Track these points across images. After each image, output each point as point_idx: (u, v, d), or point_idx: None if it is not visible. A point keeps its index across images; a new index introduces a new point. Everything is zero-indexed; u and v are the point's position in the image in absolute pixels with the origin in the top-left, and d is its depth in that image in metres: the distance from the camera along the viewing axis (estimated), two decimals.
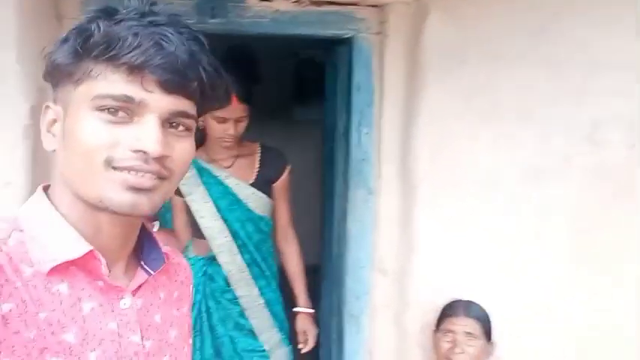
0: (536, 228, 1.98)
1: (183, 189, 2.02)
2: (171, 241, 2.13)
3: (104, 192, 0.65)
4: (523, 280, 1.95)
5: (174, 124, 0.68)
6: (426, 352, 1.92)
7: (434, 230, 1.95)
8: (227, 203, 2.05)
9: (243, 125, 2.00)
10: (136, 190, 0.66)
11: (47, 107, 0.72)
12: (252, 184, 2.08)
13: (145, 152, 0.64)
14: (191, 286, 0.93)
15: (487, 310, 1.78)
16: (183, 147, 0.70)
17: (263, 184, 2.10)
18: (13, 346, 0.61)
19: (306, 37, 2.03)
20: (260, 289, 2.12)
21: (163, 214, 2.19)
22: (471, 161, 1.93)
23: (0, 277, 0.62)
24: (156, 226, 2.11)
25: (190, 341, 0.93)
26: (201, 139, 2.09)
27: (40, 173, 1.70)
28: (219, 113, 1.90)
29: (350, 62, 2.04)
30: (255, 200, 2.08)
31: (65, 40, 0.68)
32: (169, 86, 0.66)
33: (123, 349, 0.71)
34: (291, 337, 2.23)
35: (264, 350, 2.12)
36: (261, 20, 1.95)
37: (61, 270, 0.67)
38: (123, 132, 0.65)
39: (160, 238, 2.06)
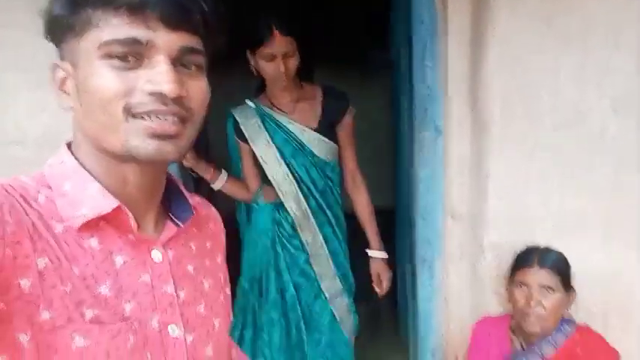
0: (627, 170, 1.75)
1: (247, 135, 2.01)
2: (239, 188, 2.14)
3: (128, 142, 0.65)
4: (602, 228, 1.76)
5: (184, 63, 0.67)
6: (501, 298, 1.81)
7: (510, 173, 1.79)
8: (291, 149, 2.01)
9: (293, 62, 1.90)
10: (161, 137, 0.65)
11: (55, 66, 0.70)
12: (316, 130, 2.01)
13: (161, 94, 0.63)
14: (223, 235, 0.93)
15: (565, 257, 1.63)
16: (198, 85, 0.69)
17: (327, 128, 2.04)
18: (51, 300, 0.62)
19: None
20: (325, 236, 2.09)
21: (237, 162, 2.19)
22: (551, 95, 1.72)
23: (33, 233, 0.63)
24: (223, 175, 2.10)
25: (228, 291, 0.93)
26: (260, 85, 2.06)
27: None
28: (266, 50, 1.83)
29: None
30: (319, 145, 2.03)
31: None
32: (173, 22, 0.64)
33: (157, 300, 0.72)
34: (358, 290, 2.21)
35: (326, 299, 2.11)
36: None
37: (90, 225, 0.68)
38: (136, 77, 0.64)
39: (228, 187, 2.06)
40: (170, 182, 0.81)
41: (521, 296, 1.57)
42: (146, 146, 0.65)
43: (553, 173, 1.77)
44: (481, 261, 1.88)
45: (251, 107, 2.03)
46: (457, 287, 2.00)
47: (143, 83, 0.64)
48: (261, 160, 2.03)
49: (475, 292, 1.93)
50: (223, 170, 2.12)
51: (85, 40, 0.65)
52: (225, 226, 0.94)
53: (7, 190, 0.65)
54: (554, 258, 1.60)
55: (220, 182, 2.08)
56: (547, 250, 1.64)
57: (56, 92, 0.71)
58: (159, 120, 0.64)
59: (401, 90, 2.15)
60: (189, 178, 2.14)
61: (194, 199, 0.85)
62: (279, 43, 1.83)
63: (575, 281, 1.64)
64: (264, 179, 2.11)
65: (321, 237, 2.08)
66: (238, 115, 2.04)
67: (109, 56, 0.63)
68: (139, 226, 0.72)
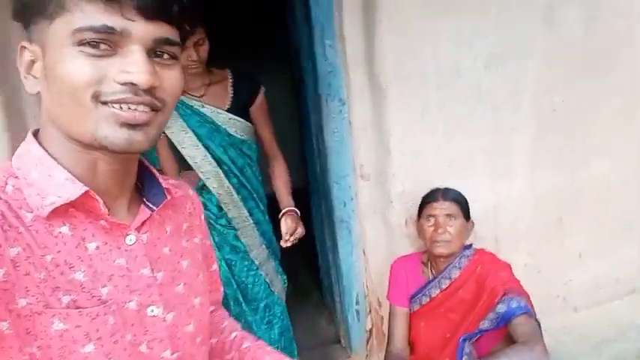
0: (502, 115, 2.08)
1: None
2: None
3: (98, 130, 0.64)
4: (487, 166, 2.07)
5: (158, 53, 0.66)
6: (411, 240, 2.08)
7: (406, 130, 2.05)
8: (206, 131, 2.09)
9: (204, 49, 1.99)
10: (131, 125, 0.64)
11: (23, 48, 0.69)
12: (228, 110, 2.10)
13: (133, 84, 0.63)
14: (202, 215, 0.94)
15: (462, 193, 1.91)
16: (172, 75, 0.68)
17: (239, 108, 2.13)
18: (26, 287, 0.63)
19: None
20: (249, 210, 2.19)
21: (150, 153, 2.26)
22: (434, 57, 2.00)
23: (3, 223, 0.63)
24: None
25: (215, 267, 0.98)
26: None
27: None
28: None
29: None
30: (233, 125, 2.12)
31: None
32: (150, 12, 0.63)
33: (134, 282, 0.72)
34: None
35: (257, 268, 2.24)
36: None
37: (60, 213, 0.67)
38: (108, 65, 0.63)
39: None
40: (143, 167, 0.81)
41: (430, 226, 1.83)
42: (117, 135, 0.64)
43: (441, 125, 2.06)
44: (390, 211, 2.13)
45: None
46: (373, 239, 2.24)
47: (116, 72, 0.63)
48: (178, 146, 2.09)
49: (389, 241, 2.19)
50: None
51: (57, 25, 0.63)
52: None
53: None
54: (454, 192, 1.87)
55: None
56: (447, 188, 1.91)
57: (23, 76, 0.69)
58: (129, 109, 0.64)
59: (304, 68, 2.34)
60: None
61: (169, 182, 0.85)
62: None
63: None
64: (183, 165, 2.19)
65: (245, 211, 2.18)
66: None
67: (81, 43, 0.62)
68: (109, 211, 0.71)
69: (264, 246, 2.26)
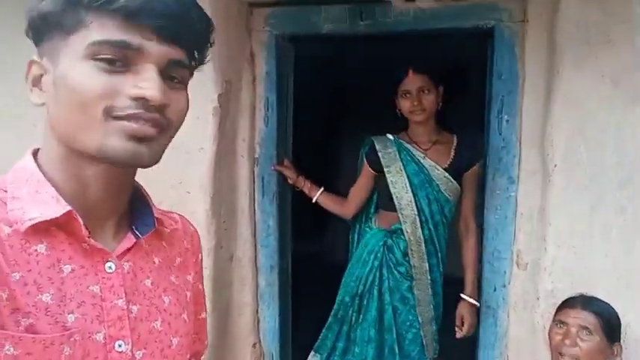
0: None
1: (383, 162, 2.26)
2: (334, 202, 2.41)
3: (105, 141, 0.64)
4: None
5: (170, 75, 0.68)
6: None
7: (570, 223, 1.82)
8: (420, 181, 2.23)
9: (429, 98, 2.16)
10: (138, 139, 0.65)
11: (32, 62, 0.70)
12: (445, 169, 2.22)
13: (146, 99, 0.64)
14: (200, 254, 0.91)
15: (616, 311, 1.60)
16: (179, 99, 0.70)
17: (455, 171, 2.24)
18: None
19: (447, 30, 2.10)
20: (430, 266, 2.25)
21: None
22: (614, 149, 1.76)
23: None
24: (319, 190, 2.38)
25: (203, 315, 0.94)
26: (404, 124, 2.33)
27: (225, 142, 2.11)
28: (403, 87, 2.16)
29: (492, 51, 2.05)
30: (445, 184, 2.23)
31: None
32: (167, 34, 0.65)
33: (106, 312, 0.68)
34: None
35: (419, 328, 2.26)
36: (405, 18, 2.11)
37: (40, 231, 0.66)
38: (121, 80, 0.64)
39: (323, 199, 2.32)
40: (138, 195, 0.80)
41: (559, 334, 1.58)
42: (124, 147, 0.64)
43: (615, 228, 1.76)
44: (536, 309, 1.89)
45: (390, 139, 2.30)
46: (516, 337, 2.02)
47: (129, 88, 0.64)
48: (390, 185, 2.25)
49: (533, 342, 1.93)
50: (322, 187, 2.40)
51: (72, 39, 0.64)
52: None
53: None
54: (601, 305, 1.59)
55: (316, 195, 2.37)
56: (595, 298, 1.63)
57: (30, 88, 0.70)
58: (139, 123, 0.64)
59: None
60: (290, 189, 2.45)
61: (165, 214, 0.84)
62: (413, 80, 2.15)
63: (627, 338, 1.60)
64: (383, 205, 2.35)
65: (427, 265, 2.25)
66: (378, 142, 2.31)
67: (97, 57, 0.63)
68: (90, 234, 0.69)
69: (432, 306, 2.29)
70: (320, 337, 2.42)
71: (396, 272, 2.28)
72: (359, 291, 2.32)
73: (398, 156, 2.24)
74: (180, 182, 2.04)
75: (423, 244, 2.23)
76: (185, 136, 1.95)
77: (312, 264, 4.15)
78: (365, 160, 2.35)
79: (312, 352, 2.43)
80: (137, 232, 0.76)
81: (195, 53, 0.72)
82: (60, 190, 0.68)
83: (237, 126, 2.22)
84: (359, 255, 2.37)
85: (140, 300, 0.73)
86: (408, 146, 2.26)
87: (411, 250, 2.23)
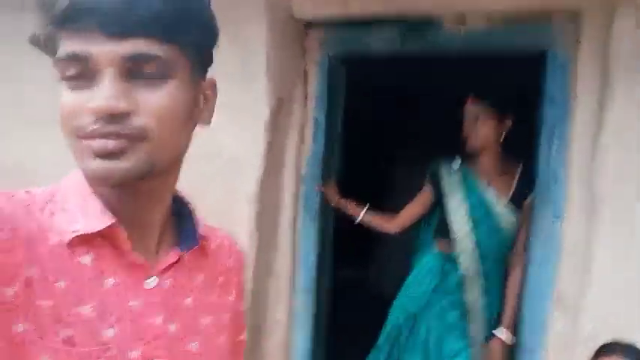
0: None
1: (446, 188, 2.23)
2: (379, 220, 2.37)
3: (81, 162, 0.62)
4: None
5: (139, 73, 0.60)
6: None
7: (616, 261, 1.66)
8: (480, 213, 2.16)
9: (484, 128, 2.10)
10: (102, 156, 0.59)
11: None
12: (507, 202, 2.15)
13: (100, 111, 0.58)
14: (242, 274, 0.87)
15: None
16: (155, 97, 0.61)
17: (516, 202, 2.16)
18: (29, 313, 0.60)
19: (498, 52, 2.03)
20: (486, 303, 2.17)
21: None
22: None
23: (28, 243, 0.61)
24: (362, 210, 2.36)
25: (242, 337, 0.88)
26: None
27: (273, 158, 2.15)
28: (463, 114, 2.12)
29: (544, 75, 1.94)
30: (506, 220, 2.15)
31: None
32: (114, 29, 0.57)
33: (143, 329, 0.67)
34: None
35: (465, 356, 2.16)
36: (455, 40, 2.06)
37: (87, 241, 0.65)
38: (85, 96, 0.59)
39: (367, 219, 2.30)
40: (183, 209, 0.77)
41: None
42: (94, 167, 0.60)
43: None
44: (575, 353, 1.73)
45: (456, 165, 2.26)
46: None
47: (87, 102, 0.59)
48: (450, 213, 2.21)
49: None
50: (364, 207, 2.38)
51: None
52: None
53: (11, 198, 0.64)
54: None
55: (360, 216, 2.35)
56: (633, 347, 1.47)
57: None
58: (100, 140, 0.59)
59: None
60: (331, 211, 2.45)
61: (215, 231, 0.81)
62: (469, 107, 2.11)
63: None
64: (441, 233, 2.29)
65: (481, 301, 2.16)
66: (444, 167, 2.28)
67: (64, 77, 0.60)
68: (137, 248, 0.68)
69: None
70: (368, 357, 2.38)
71: (446, 300, 2.21)
72: (411, 312, 2.27)
73: (462, 185, 2.18)
74: (227, 194, 2.11)
75: (479, 280, 2.15)
76: (235, 150, 2.14)
77: (357, 292, 4.07)
78: (428, 182, 2.31)
79: None
80: (180, 248, 0.73)
81: (177, 36, 0.61)
82: (105, 202, 0.66)
83: (286, 143, 2.28)
84: (416, 275, 2.32)
85: (179, 319, 0.71)
86: (473, 176, 2.19)
87: (466, 283, 2.15)
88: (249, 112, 2.10)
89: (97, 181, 0.63)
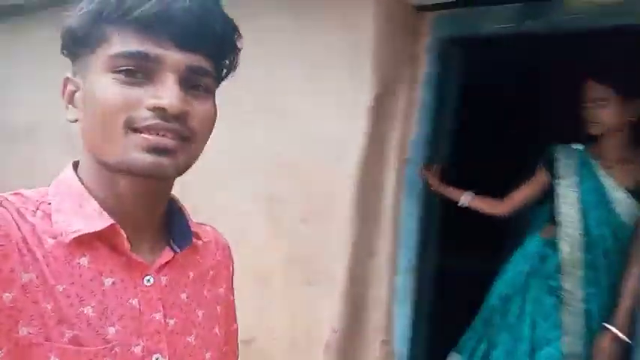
0: None
1: (560, 171, 2.14)
2: (486, 204, 2.31)
3: (126, 154, 0.64)
4: None
5: (192, 84, 0.67)
6: None
7: None
8: (594, 201, 2.05)
9: (606, 113, 1.96)
10: (158, 151, 0.64)
11: (66, 80, 0.72)
12: (630, 192, 2.01)
13: (163, 109, 0.63)
14: (231, 266, 0.90)
15: None
16: (204, 108, 0.69)
17: (635, 192, 2.02)
18: (31, 316, 0.61)
19: (628, 27, 1.85)
20: (587, 295, 2.02)
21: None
22: None
23: (22, 247, 0.62)
24: (468, 194, 2.31)
25: (235, 326, 0.92)
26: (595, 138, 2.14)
27: (376, 141, 2.17)
28: (583, 97, 2.01)
29: None
30: (624, 206, 2.01)
31: (80, 7, 0.67)
32: (184, 42, 0.65)
33: (144, 325, 0.69)
34: None
35: (557, 346, 2.04)
36: (579, 16, 1.91)
37: (83, 243, 0.66)
38: (141, 92, 0.64)
39: (474, 203, 2.24)
40: (174, 207, 0.80)
41: None
42: (143, 159, 0.64)
43: None
44: None
45: (576, 150, 2.14)
46: None
47: (147, 98, 0.64)
48: (559, 197, 2.11)
49: None
50: (470, 192, 2.31)
51: (97, 54, 0.66)
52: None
53: (1, 203, 0.65)
54: None
55: (465, 200, 2.29)
56: None
57: (66, 105, 0.72)
58: (157, 135, 0.64)
59: None
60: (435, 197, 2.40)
61: (200, 227, 0.84)
62: (591, 89, 1.99)
63: None
64: (550, 219, 2.18)
65: (582, 292, 2.03)
66: (559, 151, 2.17)
67: (116, 70, 0.64)
68: (132, 247, 0.70)
69: (578, 339, 2.03)
70: (462, 338, 2.36)
71: (542, 284, 2.13)
72: (508, 294, 2.22)
73: (578, 169, 2.07)
74: (329, 176, 2.17)
75: (581, 271, 2.01)
76: (338, 133, 2.16)
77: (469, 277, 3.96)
78: (544, 165, 2.21)
79: (452, 352, 2.37)
80: (175, 246, 0.76)
81: (221, 60, 0.71)
82: (100, 202, 0.69)
83: (391, 127, 2.27)
84: (513, 258, 2.28)
85: (176, 314, 0.74)
86: (593, 162, 2.07)
87: (565, 271, 2.04)
88: (355, 97, 2.13)
89: (142, 171, 0.65)
